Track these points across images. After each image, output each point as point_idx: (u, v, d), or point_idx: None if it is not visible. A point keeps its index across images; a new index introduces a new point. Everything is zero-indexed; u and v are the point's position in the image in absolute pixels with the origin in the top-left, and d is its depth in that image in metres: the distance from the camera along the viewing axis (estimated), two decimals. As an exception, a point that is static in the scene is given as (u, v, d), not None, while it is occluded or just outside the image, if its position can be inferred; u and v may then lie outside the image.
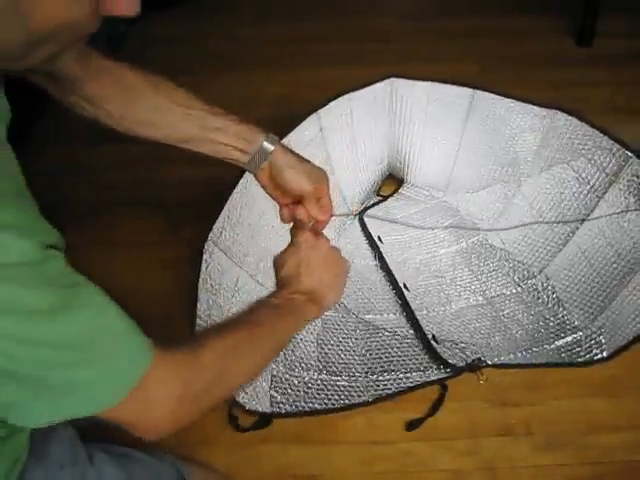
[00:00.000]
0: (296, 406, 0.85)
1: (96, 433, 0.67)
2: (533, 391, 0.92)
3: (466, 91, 1.02)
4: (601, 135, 0.87)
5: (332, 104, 1.00)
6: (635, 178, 0.84)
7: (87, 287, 0.42)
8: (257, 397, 0.83)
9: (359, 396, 0.87)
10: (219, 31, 1.66)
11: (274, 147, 0.65)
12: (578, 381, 0.91)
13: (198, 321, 0.78)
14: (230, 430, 0.89)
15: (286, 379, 0.87)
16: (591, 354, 0.86)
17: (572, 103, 1.42)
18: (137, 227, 1.16)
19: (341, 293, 0.70)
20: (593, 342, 0.87)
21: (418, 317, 0.97)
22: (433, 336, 0.94)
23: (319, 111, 0.99)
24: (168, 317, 1.03)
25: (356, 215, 1.14)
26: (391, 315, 1.00)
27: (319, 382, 0.88)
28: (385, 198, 1.18)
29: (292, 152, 0.68)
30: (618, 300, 0.85)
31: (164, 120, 0.64)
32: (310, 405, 0.85)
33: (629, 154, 0.83)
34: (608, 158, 0.87)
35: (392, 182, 1.20)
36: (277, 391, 0.85)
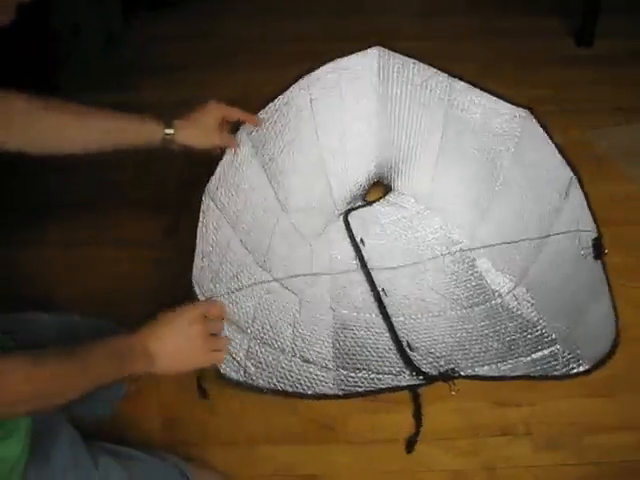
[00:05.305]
0: (268, 382, 0.81)
1: (101, 435, 0.67)
2: (533, 391, 0.92)
3: (444, 79, 0.98)
4: (554, 151, 0.87)
5: (319, 72, 0.96)
6: (579, 197, 0.84)
7: None
8: (232, 365, 0.79)
9: (330, 388, 0.85)
10: (219, 30, 1.66)
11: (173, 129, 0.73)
12: (577, 382, 0.90)
13: (194, 271, 0.74)
14: (231, 430, 0.89)
15: (262, 353, 0.83)
16: (568, 367, 0.85)
17: (573, 103, 1.43)
18: (134, 227, 1.15)
19: (177, 371, 0.64)
20: (570, 356, 0.86)
21: (394, 323, 0.96)
22: (408, 343, 0.93)
23: (305, 77, 0.94)
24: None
25: (341, 214, 1.15)
26: (367, 315, 0.99)
27: (292, 365, 0.86)
28: (370, 203, 1.20)
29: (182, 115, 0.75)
30: (591, 314, 0.84)
31: (60, 136, 0.69)
32: (282, 385, 0.82)
33: (571, 174, 0.84)
34: (558, 174, 0.87)
35: (379, 189, 1.22)
36: (252, 364, 0.82)
